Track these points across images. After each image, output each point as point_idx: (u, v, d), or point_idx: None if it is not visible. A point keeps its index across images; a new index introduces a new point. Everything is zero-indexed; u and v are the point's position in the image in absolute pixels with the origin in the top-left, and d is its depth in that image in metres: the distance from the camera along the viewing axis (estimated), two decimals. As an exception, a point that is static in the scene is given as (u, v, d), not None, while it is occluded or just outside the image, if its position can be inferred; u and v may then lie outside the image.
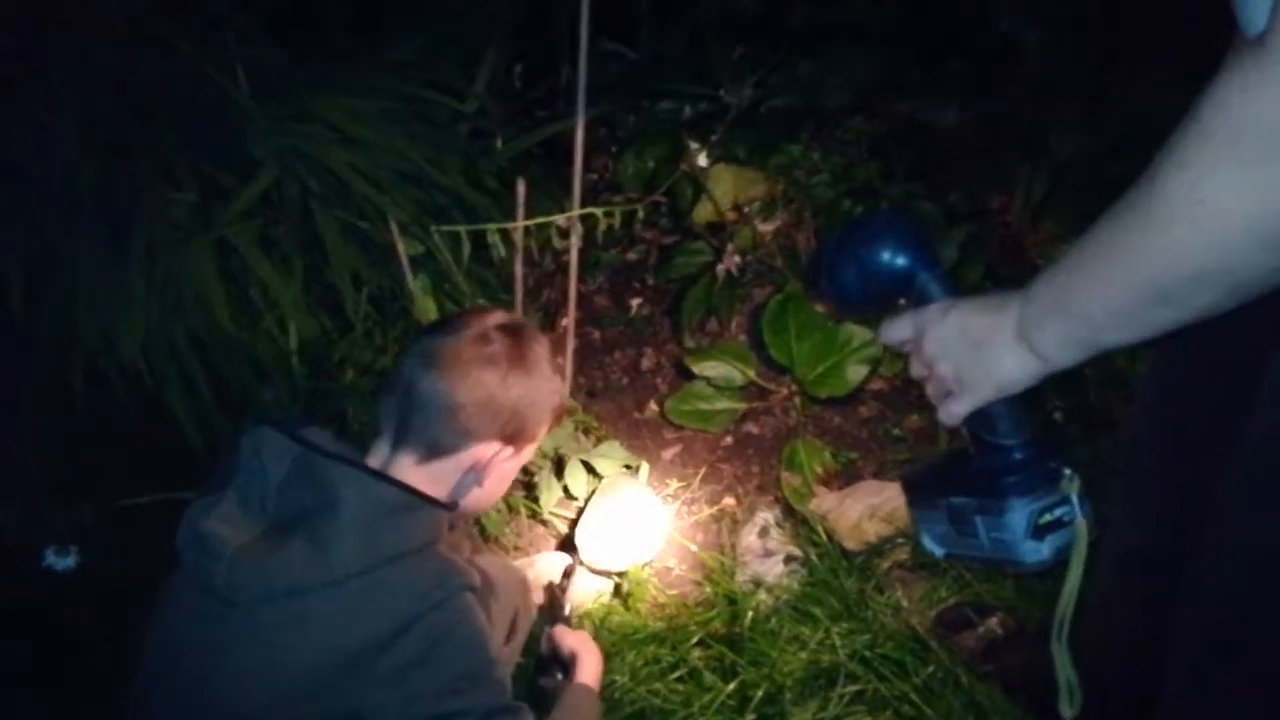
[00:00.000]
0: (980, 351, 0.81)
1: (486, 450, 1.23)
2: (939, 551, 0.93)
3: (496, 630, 1.28)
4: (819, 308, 0.99)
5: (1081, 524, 0.84)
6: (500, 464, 1.25)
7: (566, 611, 1.60)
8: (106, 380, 1.76)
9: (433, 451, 1.21)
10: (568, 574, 1.69)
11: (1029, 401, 0.86)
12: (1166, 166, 0.65)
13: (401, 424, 1.21)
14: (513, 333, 1.25)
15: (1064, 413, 1.89)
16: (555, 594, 1.65)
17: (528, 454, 1.32)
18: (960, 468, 0.91)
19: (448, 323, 1.27)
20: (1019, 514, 0.83)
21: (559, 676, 1.46)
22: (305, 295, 1.94)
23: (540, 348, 1.27)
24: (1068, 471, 0.85)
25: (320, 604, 1.08)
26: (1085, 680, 0.88)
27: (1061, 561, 0.84)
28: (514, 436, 1.25)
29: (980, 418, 0.86)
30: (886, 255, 0.89)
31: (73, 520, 1.82)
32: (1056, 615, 0.85)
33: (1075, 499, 0.84)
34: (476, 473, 1.24)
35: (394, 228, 1.80)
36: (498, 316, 1.26)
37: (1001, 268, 1.97)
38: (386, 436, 1.23)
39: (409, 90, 2.11)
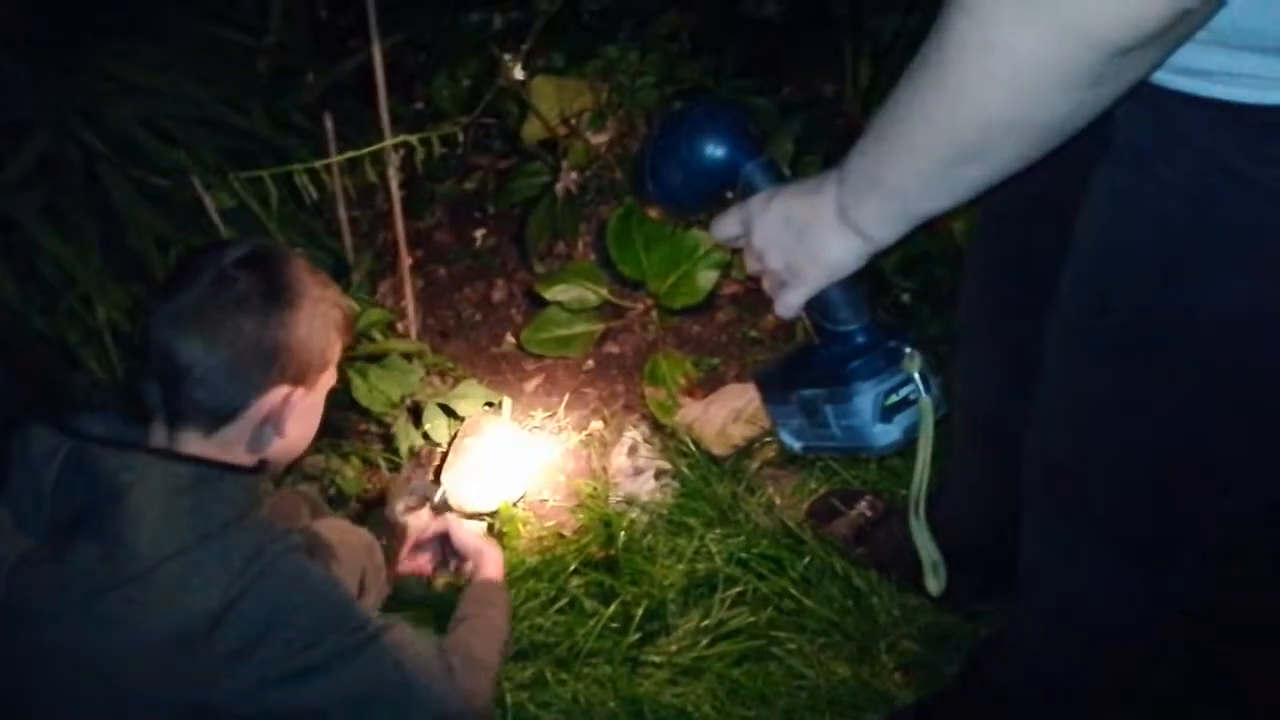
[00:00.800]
0: (804, 238, 0.78)
1: (274, 397, 1.10)
2: (797, 446, 0.92)
3: None
4: (651, 212, 0.96)
5: (926, 401, 0.82)
6: (296, 405, 1.13)
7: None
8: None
9: (216, 419, 1.09)
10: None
11: (865, 284, 0.84)
12: (952, 14, 0.62)
13: (171, 399, 1.08)
14: (256, 263, 1.10)
15: (911, 293, 1.91)
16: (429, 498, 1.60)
17: (326, 382, 1.19)
18: (807, 359, 0.89)
19: (180, 275, 1.11)
20: (865, 398, 0.82)
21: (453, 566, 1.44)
22: (106, 267, 1.76)
23: (296, 270, 1.12)
24: (909, 350, 0.83)
25: (124, 601, 0.97)
26: (950, 551, 0.88)
27: (913, 440, 0.83)
28: (301, 374, 1.12)
29: (818, 305, 0.84)
30: (708, 148, 0.86)
31: None
32: (911, 493, 0.85)
33: (919, 376, 0.83)
34: (273, 423, 1.12)
35: (196, 181, 1.65)
36: (233, 250, 1.11)
37: (838, 156, 1.94)
38: (160, 418, 1.10)
39: (198, 29, 1.93)
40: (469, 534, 1.38)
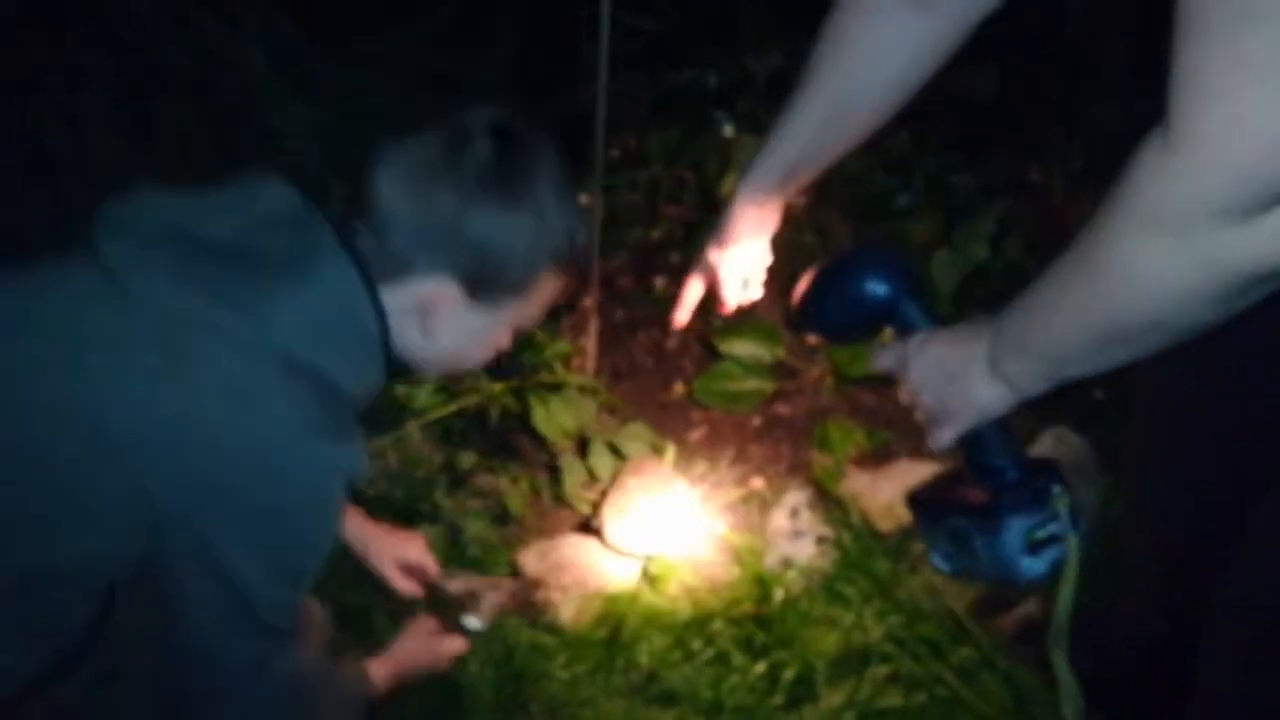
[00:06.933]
0: (957, 383, 0.85)
1: (432, 287, 0.95)
2: (947, 568, 0.97)
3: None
4: (809, 339, 1.09)
5: (1073, 540, 0.87)
6: (454, 313, 0.97)
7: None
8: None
9: (379, 271, 0.94)
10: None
11: (1016, 423, 0.90)
12: (1102, 236, 0.71)
13: (348, 231, 0.94)
14: (501, 139, 0.93)
15: (1104, 391, 1.83)
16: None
17: (511, 313, 1.01)
18: (959, 488, 0.94)
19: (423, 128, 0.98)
20: (1013, 532, 0.87)
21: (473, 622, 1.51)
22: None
23: (542, 167, 0.96)
24: (1058, 489, 0.88)
25: (207, 352, 0.85)
26: (1118, 670, 0.93)
27: (1059, 575, 0.88)
28: (476, 280, 0.95)
29: (969, 442, 0.90)
30: (869, 285, 0.95)
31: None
32: (1053, 626, 0.89)
33: (1066, 515, 0.87)
34: (420, 315, 0.96)
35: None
36: (492, 115, 0.96)
37: (1041, 241, 1.91)
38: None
39: (429, 65, 2.09)
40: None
